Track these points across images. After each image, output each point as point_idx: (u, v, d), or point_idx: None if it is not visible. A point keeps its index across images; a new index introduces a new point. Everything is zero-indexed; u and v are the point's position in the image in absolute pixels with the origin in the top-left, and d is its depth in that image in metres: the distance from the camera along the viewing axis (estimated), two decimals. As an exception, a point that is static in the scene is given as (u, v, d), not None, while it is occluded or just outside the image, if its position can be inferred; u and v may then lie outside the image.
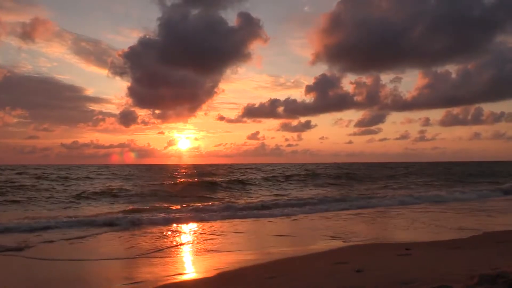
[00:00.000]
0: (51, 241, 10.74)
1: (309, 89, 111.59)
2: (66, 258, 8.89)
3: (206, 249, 9.78)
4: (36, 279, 7.32)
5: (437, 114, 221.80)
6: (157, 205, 19.65)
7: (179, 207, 18.31)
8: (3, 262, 8.61)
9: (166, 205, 19.25)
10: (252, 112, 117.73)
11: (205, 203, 19.84)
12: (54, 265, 8.30)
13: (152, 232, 12.26)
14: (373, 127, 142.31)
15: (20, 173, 47.01)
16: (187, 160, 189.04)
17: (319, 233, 11.85)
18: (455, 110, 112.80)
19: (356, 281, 5.75)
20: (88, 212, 16.88)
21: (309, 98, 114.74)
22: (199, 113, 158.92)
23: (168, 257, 8.91)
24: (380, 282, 5.56)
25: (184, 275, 7.36)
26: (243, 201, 21.87)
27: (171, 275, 7.22)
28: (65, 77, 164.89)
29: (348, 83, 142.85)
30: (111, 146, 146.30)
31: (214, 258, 8.63)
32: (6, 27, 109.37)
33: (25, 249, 9.68)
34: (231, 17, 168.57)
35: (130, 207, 18.46)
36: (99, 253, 9.47)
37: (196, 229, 13.06)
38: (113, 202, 21.38)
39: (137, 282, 6.72)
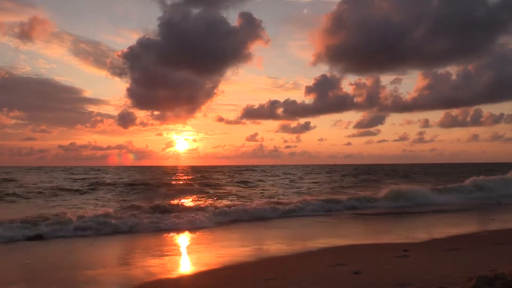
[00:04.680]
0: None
1: (308, 90, 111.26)
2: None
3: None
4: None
5: (436, 116, 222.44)
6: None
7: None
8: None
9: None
10: (251, 114, 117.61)
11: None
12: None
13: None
14: (372, 129, 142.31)
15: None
16: (185, 162, 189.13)
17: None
18: (455, 112, 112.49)
19: (355, 283, 5.73)
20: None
21: (308, 100, 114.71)
22: (198, 114, 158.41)
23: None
24: (378, 284, 5.55)
25: (179, 273, 7.37)
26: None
27: (169, 273, 7.23)
28: (64, 79, 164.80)
29: (348, 84, 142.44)
30: (108, 148, 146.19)
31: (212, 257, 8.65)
32: (5, 28, 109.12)
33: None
34: (231, 17, 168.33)
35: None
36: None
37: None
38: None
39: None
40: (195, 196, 24.53)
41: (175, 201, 20.06)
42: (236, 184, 36.15)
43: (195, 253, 9.59)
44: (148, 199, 21.45)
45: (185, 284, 6.90)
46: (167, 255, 9.13)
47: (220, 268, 7.73)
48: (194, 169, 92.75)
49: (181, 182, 38.44)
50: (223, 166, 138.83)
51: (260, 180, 41.81)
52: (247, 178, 44.92)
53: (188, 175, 55.94)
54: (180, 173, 67.94)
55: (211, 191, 28.27)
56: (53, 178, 43.33)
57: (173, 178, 48.30)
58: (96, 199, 21.93)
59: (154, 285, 6.67)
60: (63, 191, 25.72)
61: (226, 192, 27.18)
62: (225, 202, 19.96)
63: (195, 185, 33.67)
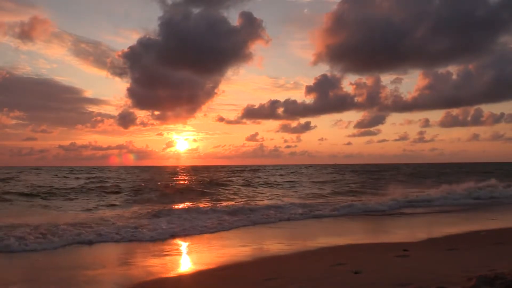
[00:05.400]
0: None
1: (309, 90, 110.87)
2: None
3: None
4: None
5: (437, 115, 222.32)
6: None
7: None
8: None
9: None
10: (252, 113, 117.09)
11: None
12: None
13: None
14: (372, 129, 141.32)
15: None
16: (185, 162, 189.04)
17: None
18: (455, 111, 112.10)
19: (355, 283, 5.73)
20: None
21: (309, 99, 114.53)
22: (199, 114, 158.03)
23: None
24: (378, 284, 5.55)
25: (177, 272, 7.38)
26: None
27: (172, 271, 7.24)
28: (64, 79, 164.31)
29: (348, 84, 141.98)
30: (109, 148, 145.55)
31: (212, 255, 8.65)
32: (5, 28, 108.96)
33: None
34: (232, 17, 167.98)
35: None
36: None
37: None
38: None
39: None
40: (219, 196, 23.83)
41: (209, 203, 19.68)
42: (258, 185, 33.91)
43: (195, 253, 9.60)
44: (165, 201, 20.78)
45: (185, 284, 6.91)
46: (168, 255, 9.15)
47: (220, 268, 7.74)
48: (200, 169, 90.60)
49: (194, 183, 35.38)
50: (224, 166, 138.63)
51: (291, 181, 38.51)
52: (266, 178, 43.00)
53: (199, 175, 53.56)
54: (187, 173, 65.71)
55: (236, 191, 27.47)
56: (59, 178, 42.49)
57: (183, 178, 46.06)
58: (111, 202, 20.67)
59: (154, 284, 6.68)
60: (77, 194, 24.53)
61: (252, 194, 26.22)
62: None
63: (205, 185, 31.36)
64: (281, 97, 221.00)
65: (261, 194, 25.90)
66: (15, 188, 27.25)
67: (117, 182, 34.50)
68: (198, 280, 6.98)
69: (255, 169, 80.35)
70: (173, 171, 75.47)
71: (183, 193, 25.27)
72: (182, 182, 37.01)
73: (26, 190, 25.63)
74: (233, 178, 43.55)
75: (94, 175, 48.90)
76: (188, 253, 9.67)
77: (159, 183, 33.27)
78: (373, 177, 45.93)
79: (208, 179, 38.45)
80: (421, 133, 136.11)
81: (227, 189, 28.97)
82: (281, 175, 54.72)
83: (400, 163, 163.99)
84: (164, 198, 22.36)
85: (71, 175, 49.37)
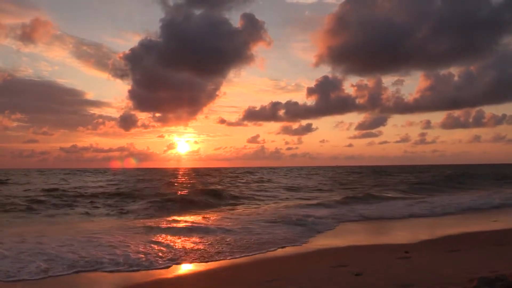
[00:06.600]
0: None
1: (310, 91, 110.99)
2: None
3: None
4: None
5: (438, 117, 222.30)
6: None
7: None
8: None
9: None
10: (253, 115, 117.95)
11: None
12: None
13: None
14: (373, 130, 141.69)
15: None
16: (186, 164, 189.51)
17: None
18: (457, 113, 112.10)
19: (356, 284, 5.72)
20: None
21: (310, 101, 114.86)
22: (200, 116, 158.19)
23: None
24: (379, 285, 5.53)
25: (180, 273, 7.37)
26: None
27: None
28: (65, 81, 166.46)
29: (350, 85, 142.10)
30: (110, 150, 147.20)
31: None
32: (7, 30, 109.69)
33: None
34: (234, 18, 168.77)
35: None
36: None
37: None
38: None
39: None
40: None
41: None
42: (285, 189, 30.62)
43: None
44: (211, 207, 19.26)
45: (185, 284, 6.91)
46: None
47: (220, 269, 7.73)
48: (208, 172, 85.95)
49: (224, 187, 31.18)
50: (226, 168, 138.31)
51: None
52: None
53: (213, 178, 48.66)
54: (195, 176, 59.23)
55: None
56: (66, 182, 39.97)
57: (202, 181, 41.84)
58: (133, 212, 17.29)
59: (154, 285, 6.68)
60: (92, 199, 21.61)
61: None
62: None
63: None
64: (283, 98, 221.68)
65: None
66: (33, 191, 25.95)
67: (134, 186, 31.48)
68: (198, 281, 6.97)
69: (267, 172, 78.40)
70: (183, 174, 72.75)
71: (220, 198, 23.03)
72: (211, 187, 30.95)
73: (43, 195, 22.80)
74: (257, 180, 42.24)
75: (109, 178, 47.10)
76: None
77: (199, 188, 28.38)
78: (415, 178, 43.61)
79: (236, 183, 37.23)
80: (422, 134, 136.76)
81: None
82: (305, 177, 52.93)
83: (402, 165, 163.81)
84: (208, 204, 20.47)
85: (79, 178, 48.96)
